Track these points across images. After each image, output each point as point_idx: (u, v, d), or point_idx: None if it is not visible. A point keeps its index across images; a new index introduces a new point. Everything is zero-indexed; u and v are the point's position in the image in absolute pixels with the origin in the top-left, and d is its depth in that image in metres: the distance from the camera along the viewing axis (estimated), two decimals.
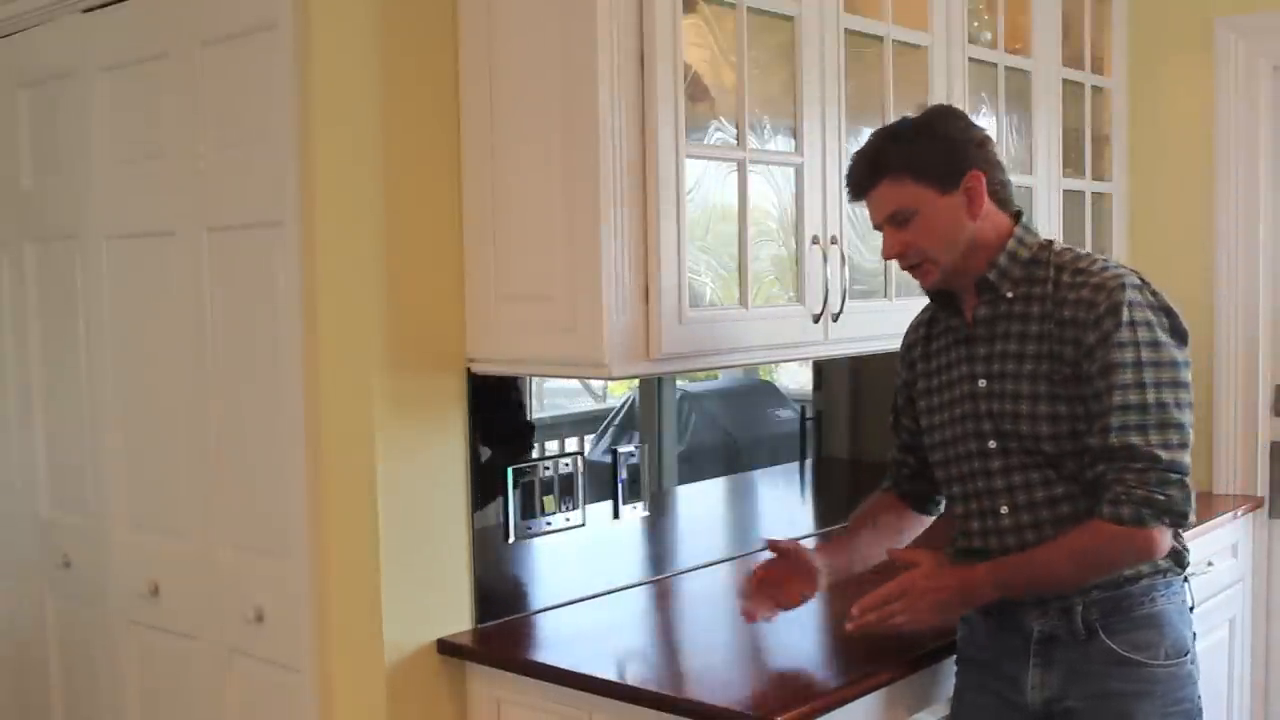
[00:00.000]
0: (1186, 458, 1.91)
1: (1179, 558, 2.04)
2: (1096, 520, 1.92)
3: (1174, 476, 1.89)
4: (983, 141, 2.05)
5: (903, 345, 2.28)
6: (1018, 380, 2.00)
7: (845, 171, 2.11)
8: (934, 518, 2.34)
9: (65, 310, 2.94)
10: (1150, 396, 1.90)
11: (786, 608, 2.22)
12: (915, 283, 2.25)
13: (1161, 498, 1.88)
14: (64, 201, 2.91)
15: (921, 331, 2.22)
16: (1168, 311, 1.98)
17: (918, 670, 2.14)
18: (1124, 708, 1.97)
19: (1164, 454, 1.88)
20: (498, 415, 2.42)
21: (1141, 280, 1.99)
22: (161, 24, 2.61)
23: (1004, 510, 2.03)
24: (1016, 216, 2.07)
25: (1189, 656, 2.03)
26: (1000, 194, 2.04)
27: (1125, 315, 1.91)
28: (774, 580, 2.25)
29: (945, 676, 2.22)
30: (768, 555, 2.29)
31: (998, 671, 2.08)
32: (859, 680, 2.03)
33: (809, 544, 2.38)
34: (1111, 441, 1.90)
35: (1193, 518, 1.94)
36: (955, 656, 2.19)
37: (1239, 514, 3.35)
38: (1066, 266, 2.00)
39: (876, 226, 2.07)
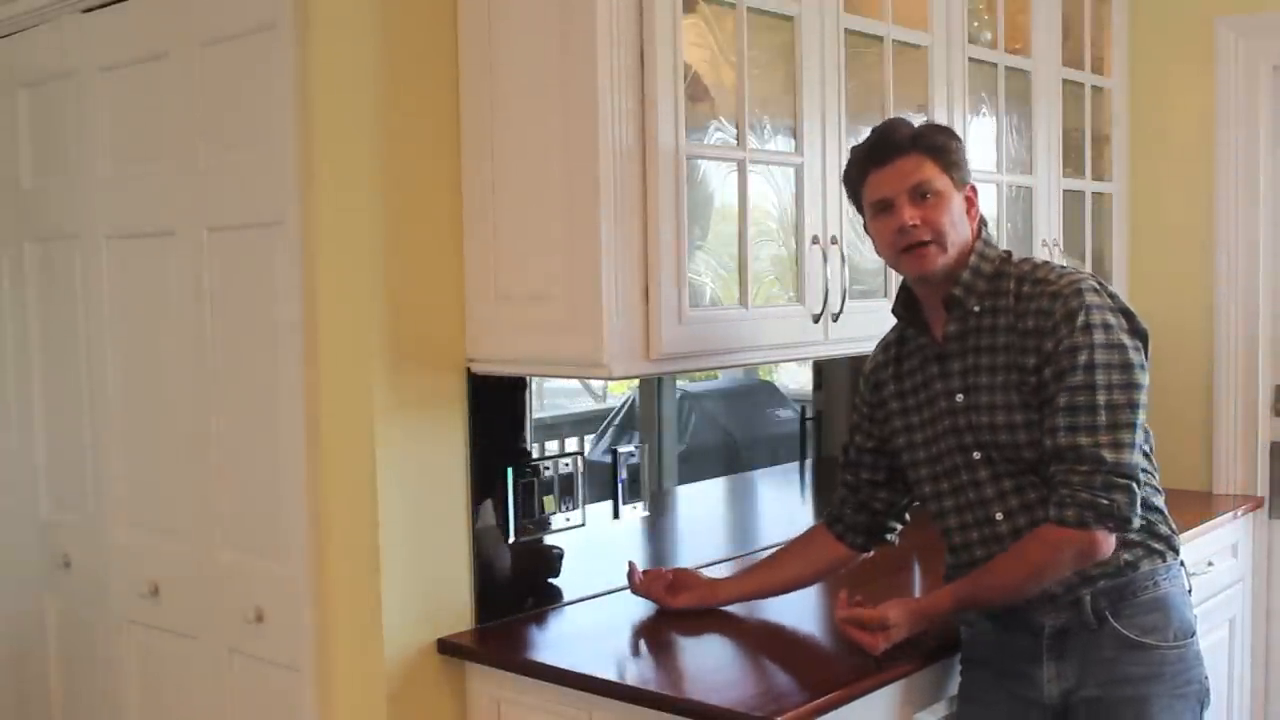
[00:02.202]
0: (1135, 457, 1.95)
1: (1170, 542, 2.09)
2: (1045, 524, 1.98)
3: (1120, 480, 1.93)
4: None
5: (868, 366, 2.31)
6: (992, 392, 2.05)
7: (873, 136, 2.12)
8: (868, 554, 2.38)
9: (65, 310, 2.94)
10: (1101, 398, 1.94)
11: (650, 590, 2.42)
12: None
13: (1105, 502, 1.92)
14: (64, 201, 2.91)
15: (891, 352, 2.26)
16: (1126, 313, 2.02)
17: (919, 670, 2.14)
18: (1138, 691, 2.01)
19: (1110, 455, 1.92)
20: (498, 415, 2.42)
21: (1098, 284, 2.03)
22: (161, 24, 2.61)
23: (999, 516, 2.06)
24: (977, 231, 2.12)
25: (1195, 638, 2.08)
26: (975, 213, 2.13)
27: (1081, 319, 1.96)
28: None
29: (947, 675, 2.22)
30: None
31: (1009, 671, 2.10)
32: (860, 680, 2.03)
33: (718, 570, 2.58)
34: (1060, 441, 1.95)
35: (1137, 521, 1.98)
36: (959, 658, 2.19)
37: (1239, 514, 3.35)
38: (1026, 277, 2.06)
39: (881, 201, 2.07)
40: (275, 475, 2.45)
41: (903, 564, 2.73)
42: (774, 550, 2.51)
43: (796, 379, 3.42)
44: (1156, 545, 2.05)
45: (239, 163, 2.46)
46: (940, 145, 2.07)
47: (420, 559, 2.28)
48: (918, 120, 2.68)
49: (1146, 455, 2.05)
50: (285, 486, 2.42)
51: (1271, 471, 3.52)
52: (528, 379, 2.46)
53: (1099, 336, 1.95)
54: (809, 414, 3.34)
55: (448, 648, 2.30)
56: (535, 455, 2.50)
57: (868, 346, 2.53)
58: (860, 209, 2.15)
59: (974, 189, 2.11)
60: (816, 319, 2.45)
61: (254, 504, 2.52)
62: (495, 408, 2.40)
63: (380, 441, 2.22)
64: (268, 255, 2.41)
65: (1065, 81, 3.28)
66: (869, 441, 2.29)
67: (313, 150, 2.29)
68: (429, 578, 2.30)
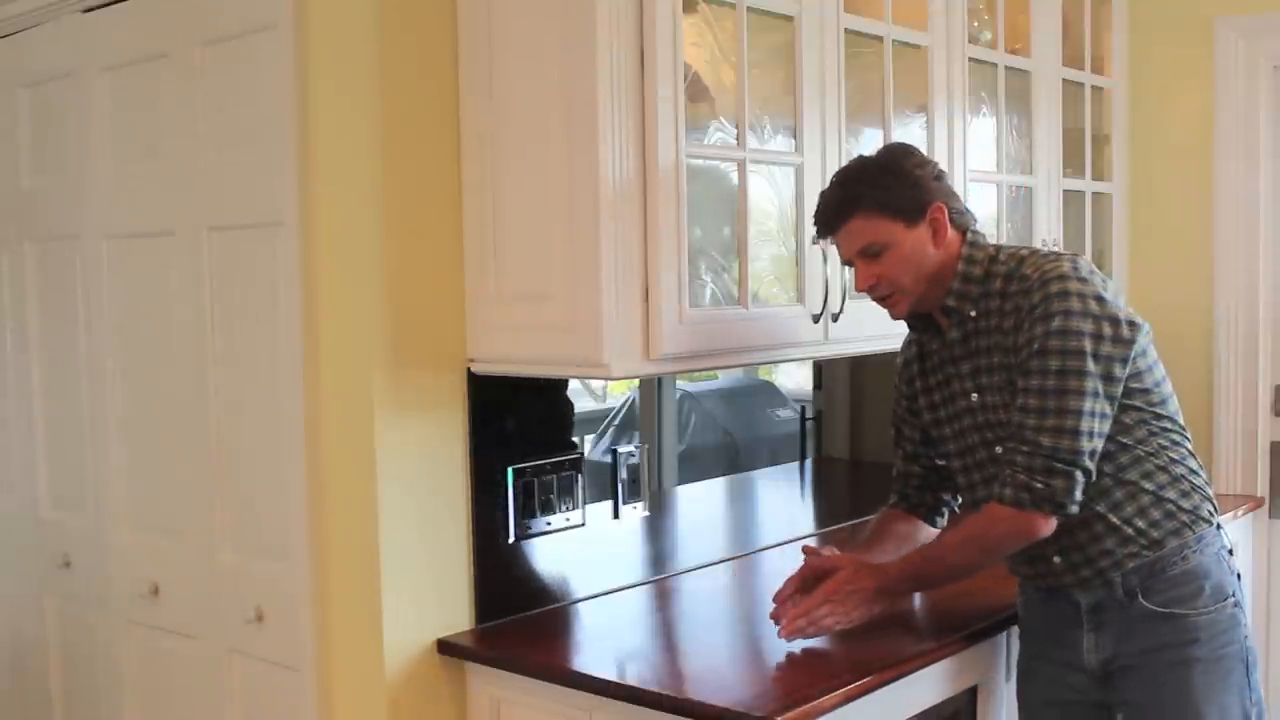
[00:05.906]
0: (1081, 444, 1.96)
1: (1196, 513, 2.09)
2: (989, 503, 2.04)
3: (1059, 466, 1.96)
4: (939, 175, 2.15)
5: (899, 360, 2.37)
6: (1000, 392, 2.10)
7: (814, 211, 2.17)
8: (939, 529, 2.40)
9: (65, 310, 2.94)
10: (1051, 382, 1.97)
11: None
12: None
13: (1040, 485, 1.97)
14: (64, 201, 2.91)
15: (913, 350, 2.31)
16: (1098, 299, 2.00)
17: (920, 669, 2.14)
18: (1174, 656, 2.06)
19: (1049, 441, 1.96)
20: (497, 415, 2.42)
21: (1074, 265, 2.03)
22: (161, 24, 2.61)
23: None
24: (963, 234, 2.14)
25: (1231, 599, 2.10)
26: (957, 221, 2.13)
27: (1041, 309, 2.00)
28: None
29: (947, 676, 2.22)
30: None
31: (1057, 638, 2.18)
32: (860, 679, 2.03)
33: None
34: (1014, 421, 2.01)
35: (1074, 509, 1.99)
36: (1016, 625, 2.29)
37: (1239, 514, 3.35)
38: (1012, 275, 2.09)
39: (846, 262, 2.17)
40: (275, 475, 2.45)
41: None
42: (867, 537, 2.38)
43: (796, 379, 3.42)
44: (1179, 520, 2.06)
45: (239, 163, 2.46)
46: (876, 196, 2.06)
47: (420, 559, 2.28)
48: (909, 125, 2.69)
49: (1173, 430, 2.09)
50: (285, 487, 2.42)
51: (1271, 471, 3.52)
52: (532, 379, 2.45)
53: (1056, 323, 1.98)
54: (809, 414, 3.34)
55: (448, 648, 2.30)
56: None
57: (868, 346, 2.53)
58: None
59: (940, 208, 2.09)
60: (816, 319, 2.45)
61: (254, 504, 2.53)
62: (495, 407, 2.40)
63: (380, 441, 2.22)
64: (268, 255, 2.41)
65: (1065, 81, 3.28)
66: (916, 432, 2.34)
67: (312, 150, 2.29)
68: (429, 578, 2.30)
